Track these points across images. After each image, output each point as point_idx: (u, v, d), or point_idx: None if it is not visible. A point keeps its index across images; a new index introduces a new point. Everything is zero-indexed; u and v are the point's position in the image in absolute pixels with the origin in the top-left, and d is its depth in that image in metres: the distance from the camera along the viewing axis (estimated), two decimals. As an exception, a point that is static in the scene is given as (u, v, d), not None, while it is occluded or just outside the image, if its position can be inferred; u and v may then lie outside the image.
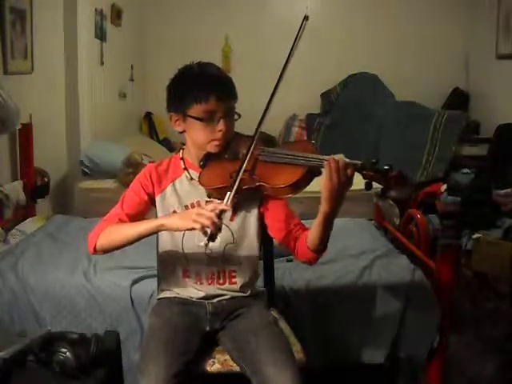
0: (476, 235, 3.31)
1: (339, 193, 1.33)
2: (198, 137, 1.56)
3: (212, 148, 1.57)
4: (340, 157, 1.37)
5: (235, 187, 1.43)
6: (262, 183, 1.46)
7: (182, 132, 1.62)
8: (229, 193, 1.42)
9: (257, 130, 1.49)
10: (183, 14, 5.46)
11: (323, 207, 1.38)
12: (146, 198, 1.63)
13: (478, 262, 3.25)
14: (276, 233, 1.62)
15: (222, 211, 1.38)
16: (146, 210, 1.64)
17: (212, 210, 1.37)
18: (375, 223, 3.06)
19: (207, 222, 1.35)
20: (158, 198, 1.64)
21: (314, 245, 1.49)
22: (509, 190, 3.54)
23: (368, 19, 5.44)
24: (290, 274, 2.21)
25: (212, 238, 1.36)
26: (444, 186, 3.76)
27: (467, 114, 5.13)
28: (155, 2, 5.47)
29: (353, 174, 1.32)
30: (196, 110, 1.52)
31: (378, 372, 2.22)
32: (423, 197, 3.91)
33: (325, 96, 5.63)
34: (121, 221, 1.58)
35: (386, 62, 5.38)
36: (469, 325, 2.78)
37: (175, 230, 1.50)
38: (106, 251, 1.58)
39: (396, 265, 2.36)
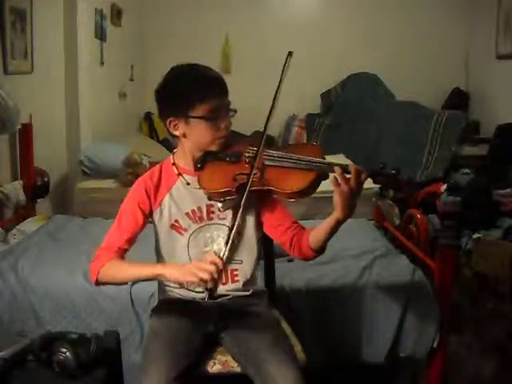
0: (476, 235, 3.31)
1: (353, 199, 1.34)
2: (202, 137, 1.54)
3: (216, 146, 1.55)
4: (349, 163, 1.38)
5: (242, 204, 1.44)
6: (270, 188, 1.45)
7: (177, 137, 1.57)
8: (224, 248, 1.41)
9: (262, 135, 1.49)
10: (183, 13, 5.46)
11: (337, 213, 1.37)
12: (142, 217, 1.59)
13: (478, 262, 3.25)
14: (272, 230, 1.62)
15: (219, 265, 1.37)
16: (143, 227, 1.61)
17: (211, 263, 1.36)
18: (375, 223, 3.06)
19: (207, 277, 1.35)
20: (156, 211, 1.61)
21: (318, 243, 1.50)
22: (509, 189, 3.54)
23: (368, 19, 5.45)
24: (290, 274, 2.21)
25: (211, 293, 1.37)
26: (444, 186, 3.76)
27: (467, 114, 5.14)
28: (155, 1, 5.48)
29: (365, 180, 1.34)
30: (200, 109, 1.50)
31: (378, 372, 2.22)
32: (423, 197, 3.91)
33: (325, 96, 5.63)
34: (120, 249, 1.56)
35: (386, 61, 5.38)
36: (469, 325, 2.78)
37: (173, 282, 1.51)
38: (107, 284, 1.60)
39: (396, 265, 2.36)
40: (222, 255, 1.40)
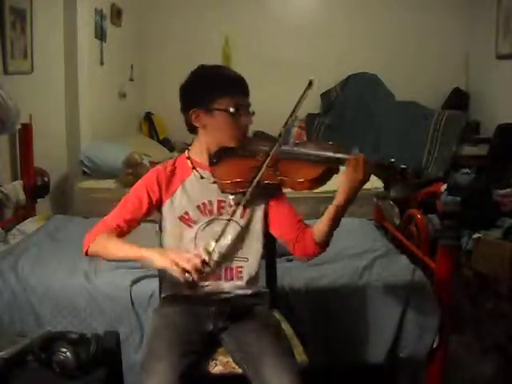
0: (476, 235, 3.31)
1: (357, 186, 1.40)
2: (222, 130, 1.58)
3: (233, 142, 1.59)
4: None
5: (251, 188, 1.47)
6: (283, 177, 1.50)
7: (195, 130, 1.62)
8: (213, 243, 1.42)
9: (284, 127, 1.54)
10: (183, 13, 5.46)
11: (338, 199, 1.44)
12: (147, 202, 1.61)
13: (478, 262, 3.25)
14: (278, 228, 1.63)
15: (205, 260, 1.37)
16: (146, 214, 1.62)
17: (196, 256, 1.37)
18: (375, 223, 3.06)
19: (188, 267, 1.35)
20: (167, 203, 1.63)
21: (322, 237, 1.53)
22: (509, 189, 3.54)
23: (368, 19, 5.44)
24: (290, 274, 2.21)
25: (192, 286, 1.36)
26: (444, 186, 3.76)
27: (467, 114, 5.13)
28: (155, 1, 5.47)
29: (368, 167, 1.40)
30: (225, 102, 1.56)
31: (378, 372, 2.22)
32: (423, 197, 3.91)
33: (325, 96, 5.62)
34: (118, 227, 1.58)
35: (386, 61, 5.38)
36: (469, 325, 2.78)
37: (153, 265, 1.50)
38: (95, 257, 1.63)
39: (396, 265, 2.36)
40: (211, 249, 1.40)
